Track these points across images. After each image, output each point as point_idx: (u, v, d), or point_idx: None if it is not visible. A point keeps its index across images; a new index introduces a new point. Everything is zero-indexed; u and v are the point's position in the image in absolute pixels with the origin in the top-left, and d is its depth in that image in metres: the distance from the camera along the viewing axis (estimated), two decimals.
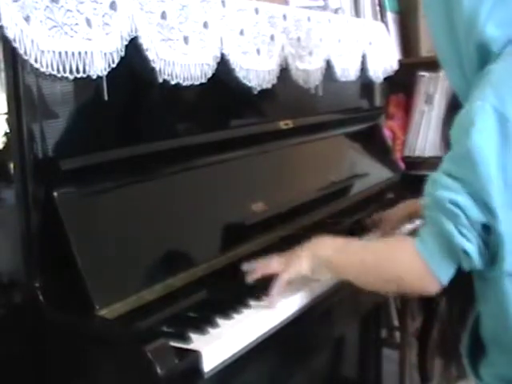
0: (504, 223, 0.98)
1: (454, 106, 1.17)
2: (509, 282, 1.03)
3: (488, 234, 0.99)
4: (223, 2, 1.34)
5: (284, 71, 1.56)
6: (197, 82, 1.25)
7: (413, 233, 1.52)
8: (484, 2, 1.05)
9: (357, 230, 1.62)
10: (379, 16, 2.44)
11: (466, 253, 1.00)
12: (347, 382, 2.11)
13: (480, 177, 0.98)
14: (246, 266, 1.22)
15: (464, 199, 0.98)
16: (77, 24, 1.01)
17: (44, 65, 0.96)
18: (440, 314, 2.10)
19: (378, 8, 2.43)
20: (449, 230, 0.99)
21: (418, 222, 1.59)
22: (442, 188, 1.01)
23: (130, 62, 1.11)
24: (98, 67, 1.04)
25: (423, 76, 2.53)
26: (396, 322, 2.41)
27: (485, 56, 1.07)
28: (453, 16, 1.09)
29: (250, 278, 1.19)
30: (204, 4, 1.28)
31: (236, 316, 1.11)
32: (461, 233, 0.99)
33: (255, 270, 1.20)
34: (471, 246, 0.99)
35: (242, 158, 1.45)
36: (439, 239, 1.02)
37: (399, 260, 1.08)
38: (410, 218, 1.61)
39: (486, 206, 0.98)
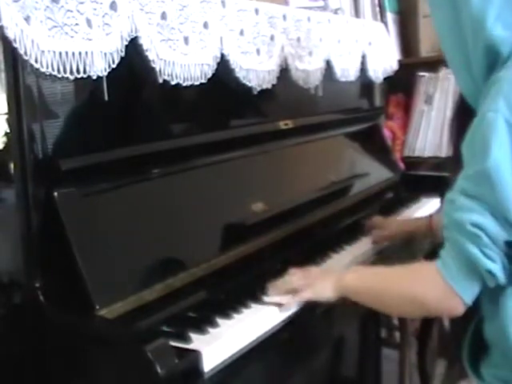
0: None
1: (461, 108, 1.16)
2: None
3: (510, 248, 0.98)
4: (223, 3, 1.34)
5: (284, 71, 1.56)
6: (197, 83, 1.25)
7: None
8: (492, 3, 1.04)
9: (355, 230, 1.62)
10: (379, 16, 2.44)
11: (490, 273, 0.98)
12: (347, 382, 2.11)
13: (498, 194, 0.96)
14: (273, 289, 1.21)
15: (484, 219, 0.97)
16: (77, 24, 1.01)
17: (44, 65, 0.96)
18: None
19: (377, 8, 2.43)
20: (472, 252, 0.98)
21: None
22: (461, 209, 1.00)
23: (130, 62, 1.11)
24: (98, 67, 1.04)
25: (423, 76, 2.53)
26: (396, 322, 2.41)
27: (493, 58, 1.05)
28: (460, 18, 1.07)
29: (273, 293, 1.19)
30: (204, 4, 1.28)
31: (236, 316, 1.11)
32: (484, 254, 0.98)
33: (276, 286, 1.21)
34: (496, 265, 0.98)
35: (242, 158, 1.45)
36: (462, 261, 1.00)
37: (422, 284, 1.07)
38: (410, 235, 1.60)
39: (507, 223, 0.97)
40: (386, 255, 1.53)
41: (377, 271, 1.22)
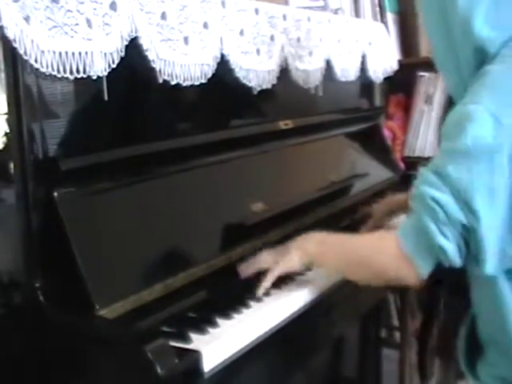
0: (485, 226, 0.98)
1: (449, 108, 1.17)
2: (503, 282, 1.03)
3: (469, 233, 0.99)
4: (223, 3, 1.34)
5: (284, 71, 1.56)
6: (197, 83, 1.25)
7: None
8: (478, 4, 1.05)
9: (355, 230, 1.62)
10: (379, 16, 2.44)
11: (443, 249, 1.00)
12: (347, 382, 2.11)
13: (464, 177, 0.98)
14: (242, 266, 1.23)
15: (444, 196, 0.99)
16: (77, 24, 1.01)
17: (44, 65, 0.96)
18: (440, 314, 2.10)
19: (377, 8, 2.43)
20: (428, 225, 1.00)
21: (403, 217, 1.60)
22: (427, 184, 1.02)
23: (130, 62, 1.11)
24: (98, 67, 1.04)
25: (423, 76, 2.53)
26: (396, 322, 2.41)
27: (482, 58, 1.06)
28: (448, 19, 1.08)
29: (244, 274, 1.21)
30: (204, 4, 1.28)
31: (236, 316, 1.11)
32: (439, 230, 1.00)
33: (247, 266, 1.22)
34: (449, 243, 1.00)
35: (242, 158, 1.45)
36: (419, 232, 1.03)
37: (382, 249, 1.10)
38: (394, 211, 1.62)
39: (467, 207, 0.98)
40: None
41: (341, 237, 1.25)
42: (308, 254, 1.20)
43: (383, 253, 1.09)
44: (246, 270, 1.22)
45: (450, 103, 1.18)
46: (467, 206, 0.98)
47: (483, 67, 1.05)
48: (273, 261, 1.21)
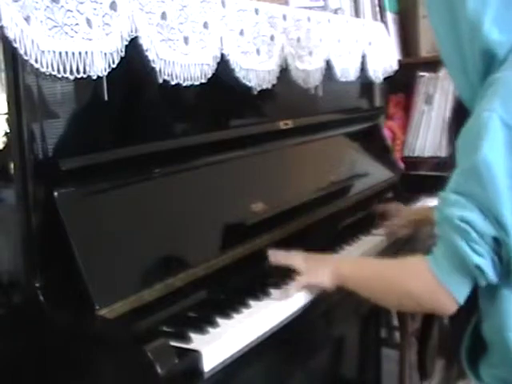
0: None
1: (459, 110, 1.17)
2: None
3: (500, 247, 0.98)
4: (223, 2, 1.34)
5: (284, 71, 1.56)
6: (197, 82, 1.25)
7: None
8: (488, 7, 1.04)
9: (355, 230, 1.62)
10: (379, 16, 2.44)
11: (479, 268, 0.99)
12: (347, 382, 2.11)
13: (489, 192, 0.97)
14: (271, 252, 1.25)
15: (472, 214, 0.98)
16: (77, 24, 1.01)
17: (44, 65, 0.96)
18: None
19: (377, 8, 2.43)
20: (461, 246, 0.99)
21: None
22: (451, 205, 1.01)
23: (130, 62, 1.11)
24: (98, 67, 1.04)
25: (423, 76, 2.53)
26: (396, 322, 2.41)
27: (490, 61, 1.06)
28: (457, 21, 1.07)
29: (273, 260, 1.22)
30: (204, 4, 1.28)
31: (236, 316, 1.11)
32: (473, 249, 0.98)
33: (278, 255, 1.23)
34: (484, 261, 0.98)
35: (242, 158, 1.45)
36: (452, 257, 1.01)
37: (415, 280, 1.07)
38: (419, 223, 1.62)
39: (496, 220, 0.97)
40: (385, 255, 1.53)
41: (374, 262, 1.24)
42: (339, 276, 1.19)
43: (415, 280, 1.07)
44: (275, 256, 1.23)
45: (458, 106, 1.17)
46: (495, 219, 0.97)
47: (491, 72, 1.05)
48: (303, 269, 1.21)
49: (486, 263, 0.98)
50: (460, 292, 1.03)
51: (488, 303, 1.08)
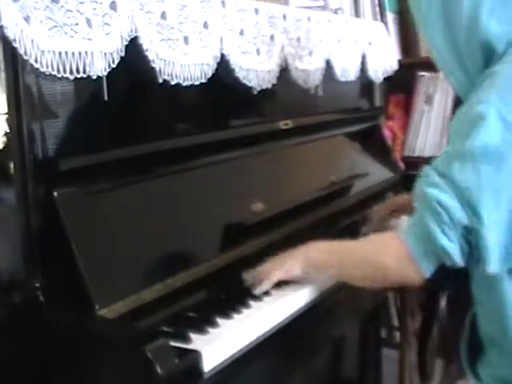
0: (489, 228, 0.98)
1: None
2: (506, 281, 1.03)
3: (471, 235, 0.99)
4: (223, 2, 1.34)
5: (284, 71, 1.56)
6: (197, 82, 1.25)
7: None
8: (484, 1, 1.05)
9: (354, 230, 1.62)
10: (379, 16, 2.44)
11: (446, 251, 1.00)
12: (347, 382, 2.11)
13: (472, 179, 0.98)
14: (247, 276, 1.23)
15: (451, 201, 0.99)
16: (77, 24, 1.01)
17: (44, 65, 0.96)
18: (440, 314, 2.10)
19: (377, 8, 2.43)
20: (431, 227, 1.00)
21: (404, 218, 1.60)
22: (431, 185, 1.02)
23: (130, 62, 1.11)
24: (98, 67, 1.04)
25: (423, 76, 2.53)
26: (396, 322, 2.41)
27: (489, 55, 1.06)
28: (451, 18, 1.08)
29: (258, 291, 1.20)
30: (204, 4, 1.28)
31: (236, 316, 1.11)
32: (443, 231, 1.00)
33: (257, 279, 1.22)
34: (452, 245, 1.00)
35: (242, 158, 1.45)
36: (422, 233, 1.03)
37: (384, 249, 1.10)
38: (398, 212, 1.63)
39: (471, 209, 0.98)
40: None
41: (341, 243, 1.25)
42: (309, 260, 1.21)
43: (385, 254, 1.09)
44: (252, 281, 1.22)
45: (458, 104, 1.17)
46: (471, 208, 0.98)
47: (490, 66, 1.05)
48: (275, 267, 1.21)
49: (453, 247, 1.00)
50: (426, 266, 1.04)
51: (485, 292, 1.08)
